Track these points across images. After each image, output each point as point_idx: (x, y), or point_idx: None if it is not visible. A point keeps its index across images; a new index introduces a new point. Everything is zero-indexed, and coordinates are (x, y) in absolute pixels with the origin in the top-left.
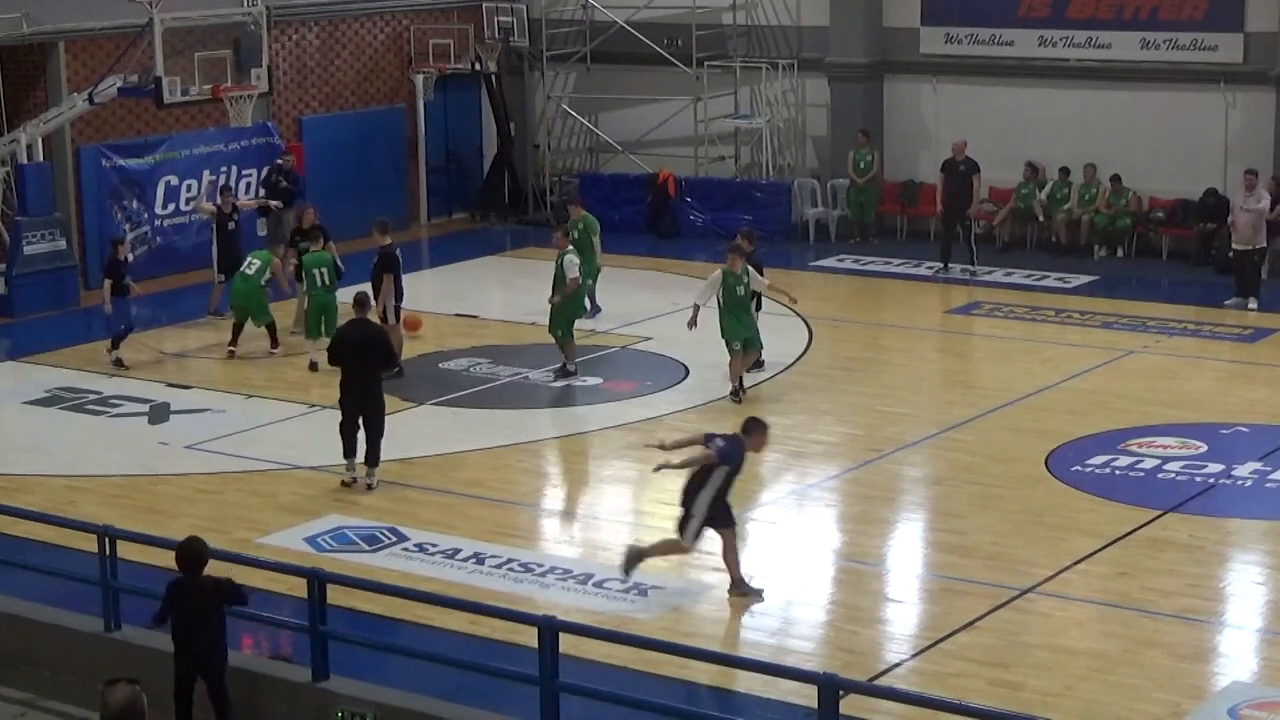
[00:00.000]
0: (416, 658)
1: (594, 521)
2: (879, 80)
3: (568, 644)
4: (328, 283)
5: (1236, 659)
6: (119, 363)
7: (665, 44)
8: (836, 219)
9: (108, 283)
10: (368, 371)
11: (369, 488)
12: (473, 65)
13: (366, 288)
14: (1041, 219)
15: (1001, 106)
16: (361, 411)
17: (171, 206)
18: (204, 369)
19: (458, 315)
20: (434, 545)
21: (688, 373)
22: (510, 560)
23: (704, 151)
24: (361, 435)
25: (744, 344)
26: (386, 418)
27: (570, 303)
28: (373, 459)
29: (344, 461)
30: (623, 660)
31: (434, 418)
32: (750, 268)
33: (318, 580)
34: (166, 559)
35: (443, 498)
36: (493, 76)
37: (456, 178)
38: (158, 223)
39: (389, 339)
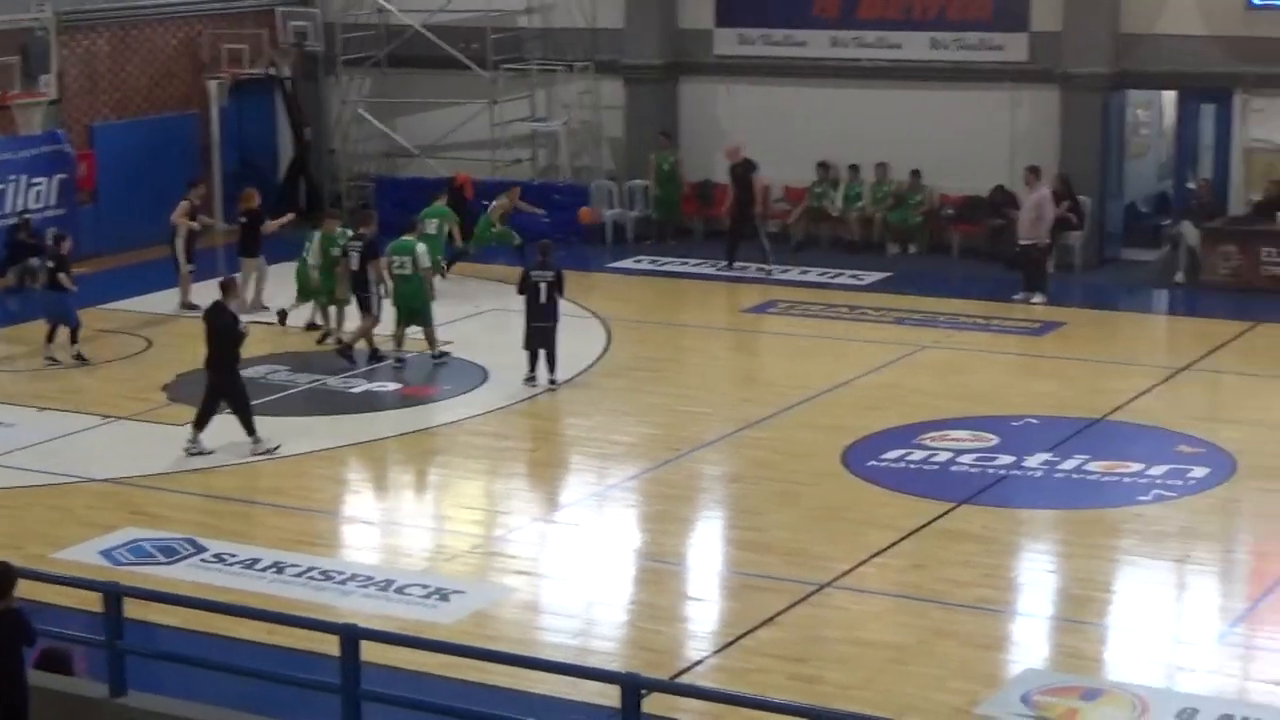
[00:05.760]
0: (217, 670)
1: (394, 528)
2: (674, 82)
3: (370, 651)
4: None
5: (1029, 646)
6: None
7: (461, 47)
8: (634, 220)
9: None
10: (218, 354)
11: (255, 453)
12: (267, 70)
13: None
14: (836, 216)
15: (795, 106)
16: (219, 392)
17: None
18: None
19: (253, 322)
20: (233, 555)
21: (486, 376)
22: (310, 568)
23: (501, 154)
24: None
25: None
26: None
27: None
28: (246, 429)
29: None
30: (426, 666)
31: (232, 426)
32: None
33: (114, 594)
34: None
35: (241, 507)
36: (287, 81)
37: (252, 184)
38: None
39: (233, 330)
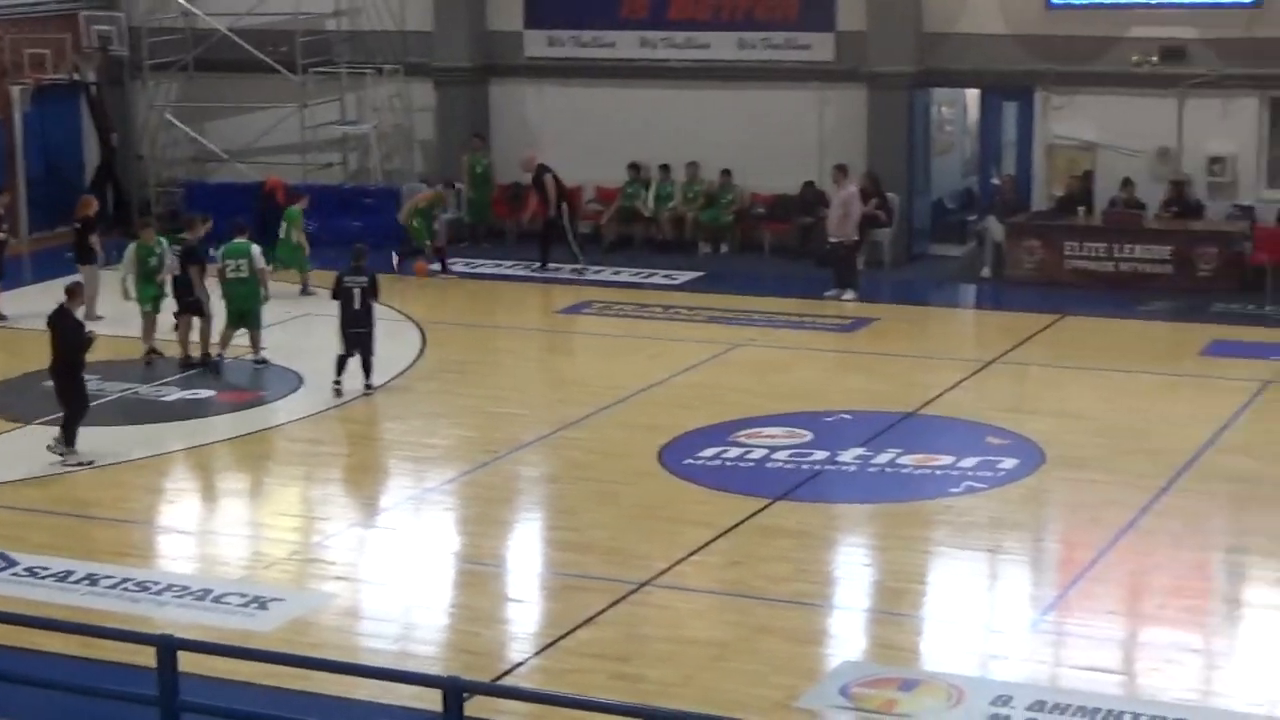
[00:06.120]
0: (30, 685)
1: (211, 536)
2: (485, 84)
3: (188, 662)
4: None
5: (847, 639)
6: None
7: (269, 51)
8: (447, 223)
9: None
10: (61, 360)
11: (64, 463)
12: (71, 75)
13: None
14: (647, 216)
15: (606, 107)
16: (66, 396)
17: None
18: None
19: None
20: (45, 569)
21: (302, 381)
22: (125, 580)
23: (312, 158)
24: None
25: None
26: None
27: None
28: (67, 437)
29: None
30: (246, 675)
31: (42, 437)
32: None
33: None
34: None
35: (53, 519)
36: (92, 86)
37: (58, 191)
38: None
39: (69, 336)
